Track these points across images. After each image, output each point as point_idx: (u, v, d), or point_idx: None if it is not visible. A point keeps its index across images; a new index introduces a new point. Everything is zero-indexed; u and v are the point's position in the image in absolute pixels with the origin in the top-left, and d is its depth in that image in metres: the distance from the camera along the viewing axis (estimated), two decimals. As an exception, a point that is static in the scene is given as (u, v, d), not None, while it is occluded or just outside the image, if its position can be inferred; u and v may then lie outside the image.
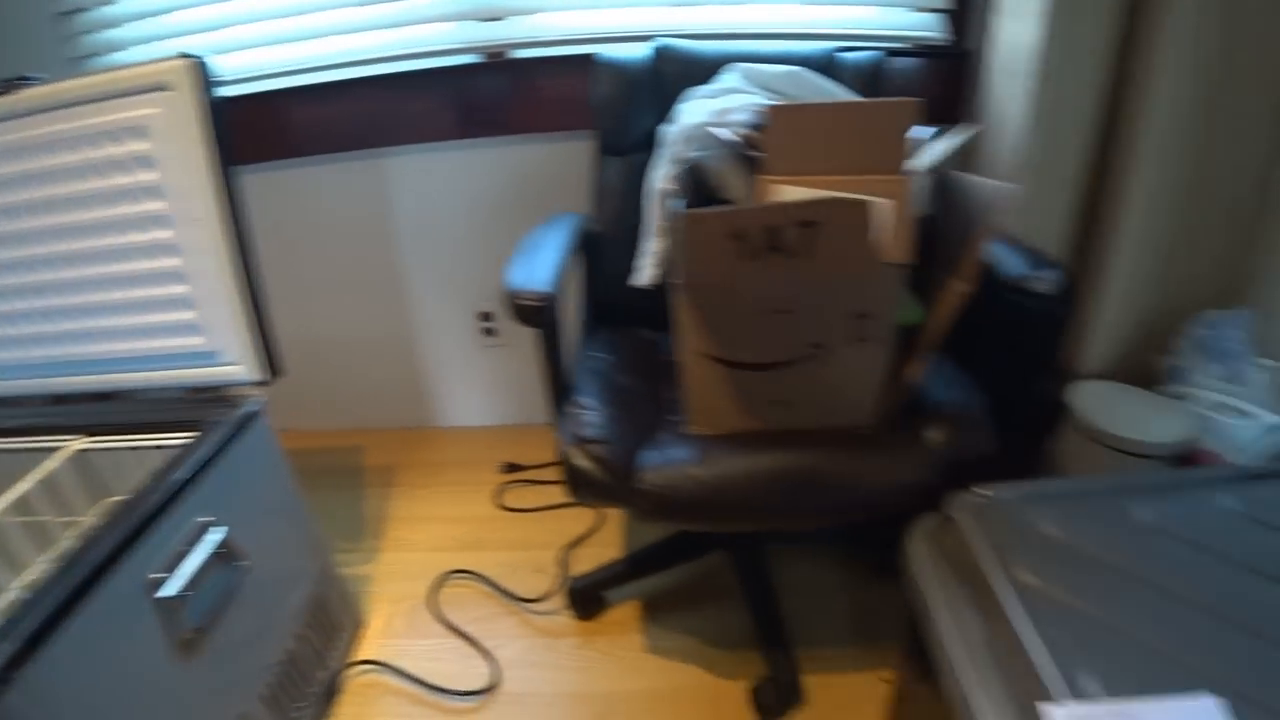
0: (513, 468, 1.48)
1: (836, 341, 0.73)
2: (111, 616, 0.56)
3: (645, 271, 0.92)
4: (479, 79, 1.31)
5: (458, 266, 1.45)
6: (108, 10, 1.26)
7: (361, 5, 1.25)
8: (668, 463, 0.79)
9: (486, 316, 1.50)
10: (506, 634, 1.12)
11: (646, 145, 1.03)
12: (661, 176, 0.90)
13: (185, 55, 0.71)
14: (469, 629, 1.11)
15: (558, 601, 1.16)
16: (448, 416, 1.66)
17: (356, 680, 1.04)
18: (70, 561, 0.55)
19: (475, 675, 1.04)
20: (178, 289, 0.76)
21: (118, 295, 0.76)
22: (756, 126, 0.82)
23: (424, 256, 1.45)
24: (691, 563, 1.18)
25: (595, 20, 1.26)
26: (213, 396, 0.81)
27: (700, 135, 0.87)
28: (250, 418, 0.77)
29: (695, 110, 0.91)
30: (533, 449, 1.54)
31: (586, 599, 1.14)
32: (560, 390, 0.89)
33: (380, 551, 1.30)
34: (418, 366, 1.57)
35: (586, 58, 1.12)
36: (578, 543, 1.29)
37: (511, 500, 1.41)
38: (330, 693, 0.99)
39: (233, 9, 1.26)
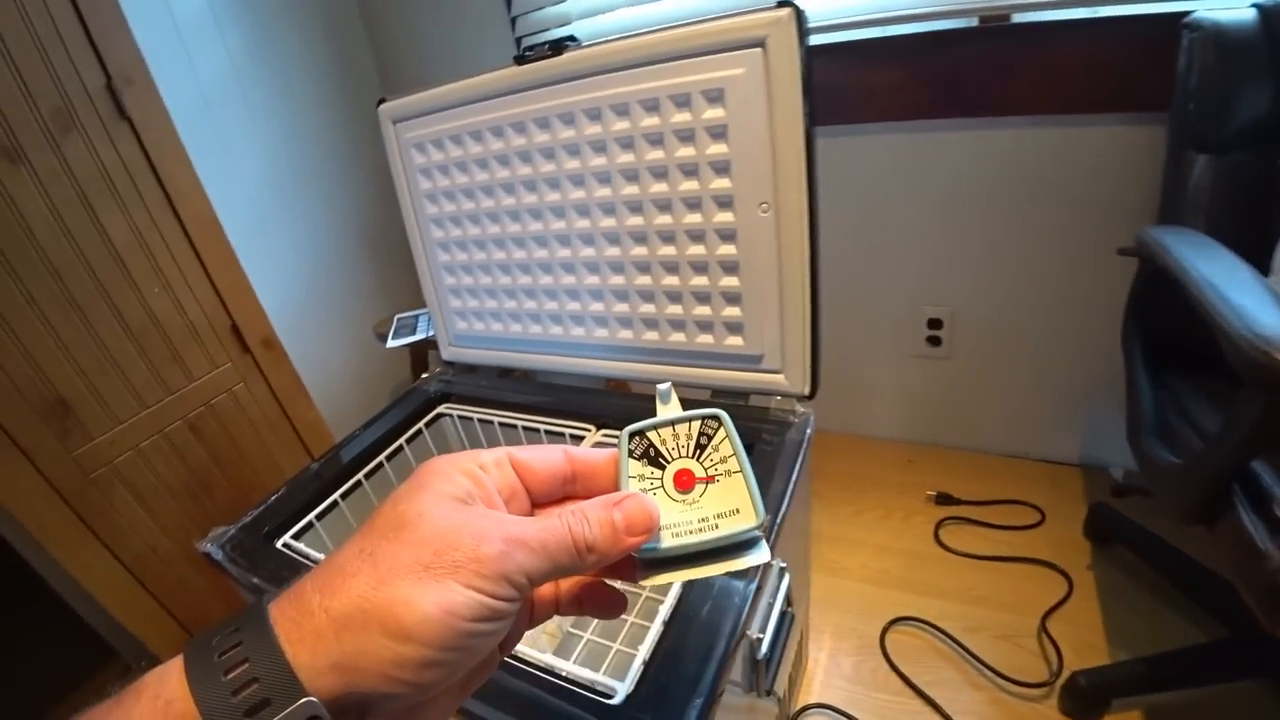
0: (947, 499, 1.25)
1: None
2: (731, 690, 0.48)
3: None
4: (968, 47, 1.03)
5: (909, 264, 1.23)
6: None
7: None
8: None
9: (935, 324, 1.27)
10: (975, 709, 0.91)
11: (1254, 140, 0.76)
12: None
13: (784, 3, 0.56)
14: (933, 694, 0.94)
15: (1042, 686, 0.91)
16: (865, 423, 1.47)
17: (806, 720, 0.95)
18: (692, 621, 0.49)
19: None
20: (729, 281, 0.71)
21: (667, 281, 0.71)
22: None
23: (870, 248, 1.24)
24: (1225, 684, 0.86)
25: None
26: (748, 406, 0.75)
27: None
28: (803, 444, 0.65)
29: None
30: (963, 479, 1.28)
31: (1091, 700, 0.86)
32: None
33: (811, 572, 1.20)
34: (845, 365, 1.40)
35: (1131, 20, 0.89)
36: (1050, 614, 1.01)
37: (952, 539, 1.18)
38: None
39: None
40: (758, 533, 0.26)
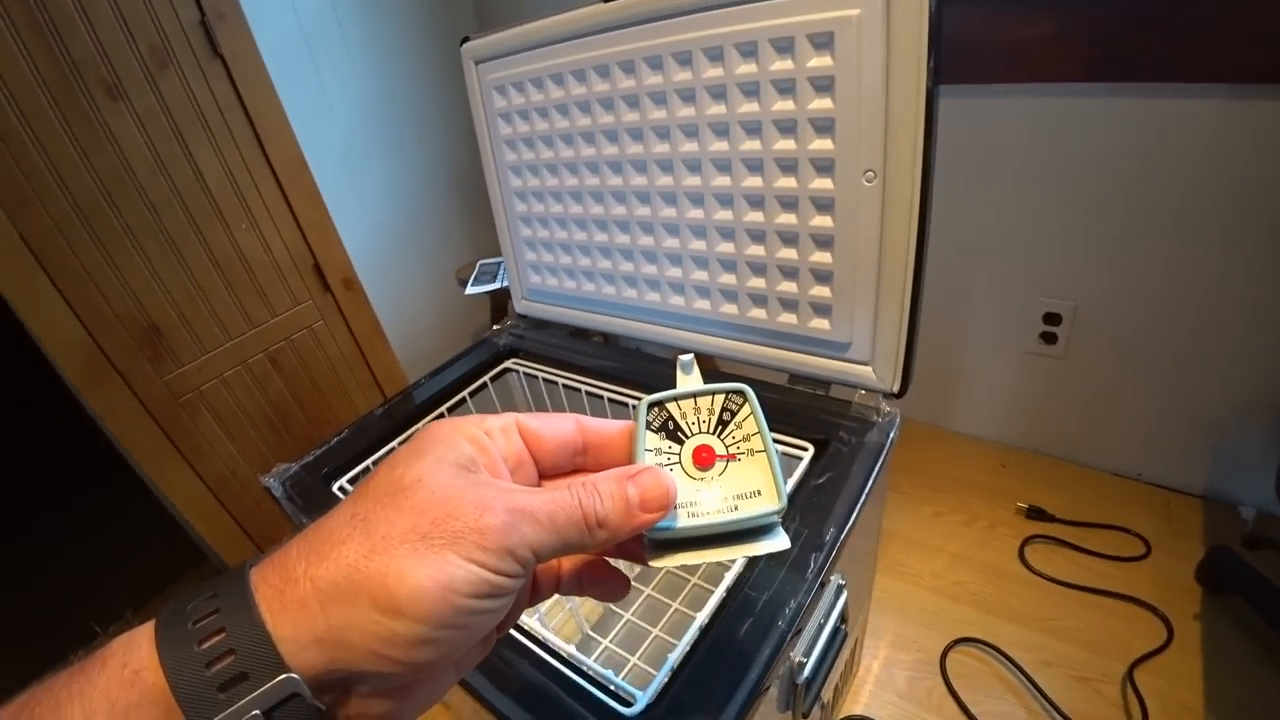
0: (1038, 514, 1.13)
1: None
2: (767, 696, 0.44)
3: None
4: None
5: (1030, 249, 1.08)
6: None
7: None
8: None
9: (1052, 319, 1.13)
10: (1040, 756, 0.83)
11: None
12: None
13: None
14: (992, 729, 0.86)
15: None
16: (957, 417, 1.35)
17: (846, 728, 0.90)
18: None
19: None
20: (820, 257, 0.63)
21: (751, 251, 0.65)
22: None
23: (987, 226, 1.11)
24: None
25: None
26: (828, 398, 0.68)
27: None
28: (884, 448, 0.58)
29: None
30: (1061, 494, 1.15)
31: None
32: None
33: (876, 573, 1.13)
34: (943, 351, 1.28)
35: None
36: (1141, 662, 0.90)
37: (1038, 561, 1.07)
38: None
39: None
40: (778, 518, 0.25)
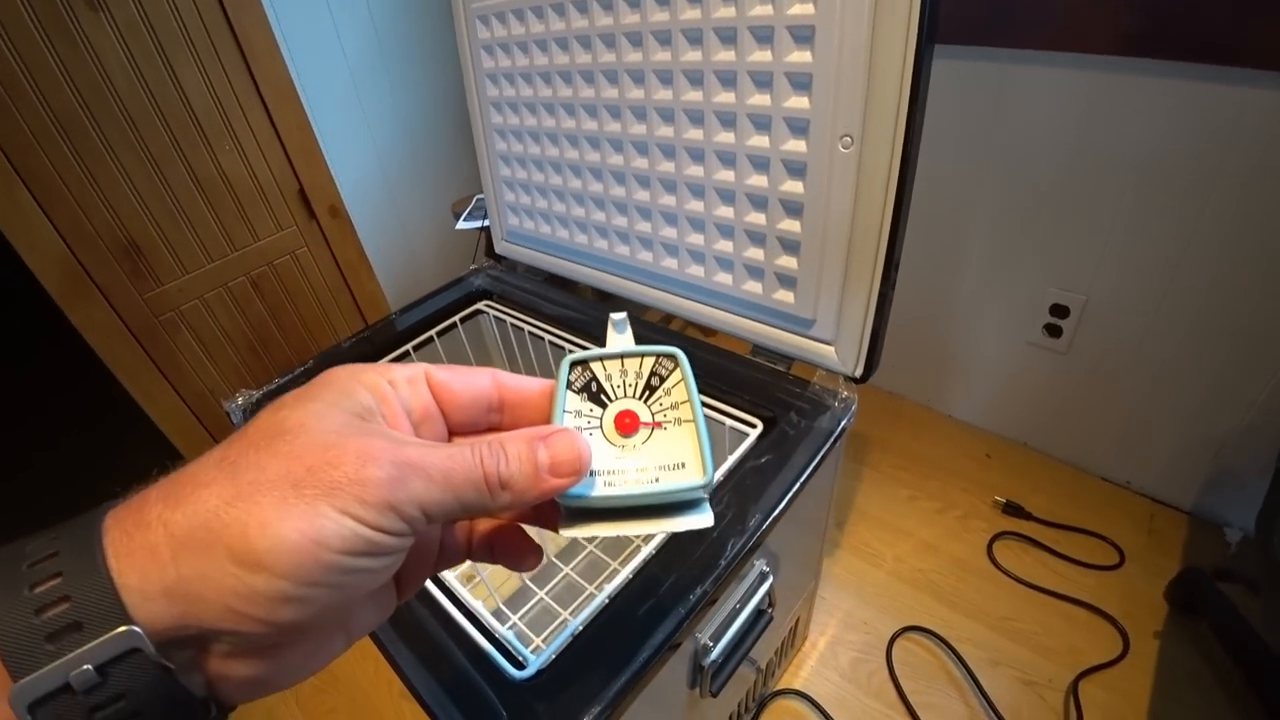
0: (1015, 510, 1.10)
1: None
2: (669, 673, 0.45)
3: None
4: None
5: (1046, 236, 1.00)
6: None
7: None
8: None
9: (1059, 311, 1.06)
10: (969, 749, 0.83)
11: None
12: None
13: None
14: (926, 719, 0.86)
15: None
16: (947, 400, 1.31)
17: (775, 705, 0.90)
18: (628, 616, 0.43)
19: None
20: (789, 225, 0.59)
21: (720, 212, 0.60)
22: None
23: (1001, 207, 1.04)
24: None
25: None
26: (788, 375, 0.65)
27: None
28: (833, 435, 0.56)
29: None
30: (1043, 493, 1.12)
31: None
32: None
33: (838, 549, 1.12)
34: (939, 329, 1.23)
35: None
36: (1090, 673, 0.88)
37: (1006, 558, 1.04)
38: (754, 715, 0.88)
39: None
40: (702, 493, 0.23)
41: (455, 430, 0.24)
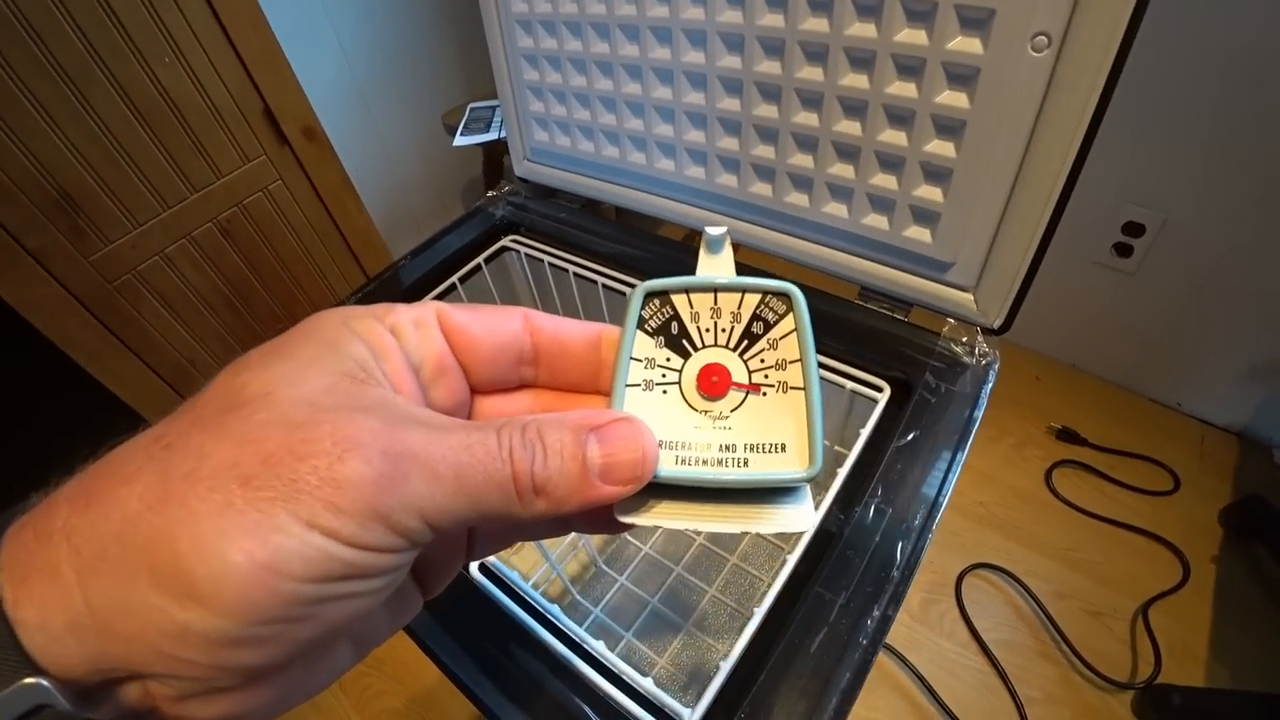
0: (1070, 436, 1.06)
1: None
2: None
3: None
4: None
5: (1127, 147, 0.91)
6: None
7: None
8: None
9: (1134, 230, 0.97)
10: (1042, 686, 0.82)
11: None
12: None
13: None
14: (1000, 655, 0.85)
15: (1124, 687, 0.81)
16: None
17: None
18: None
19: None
20: (940, 148, 0.46)
21: (843, 128, 0.48)
22: None
23: None
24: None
25: None
26: (907, 322, 0.55)
27: None
28: (979, 400, 0.47)
29: None
30: (1096, 417, 1.08)
31: (1168, 714, 0.76)
32: None
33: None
34: None
35: None
36: (1153, 601, 0.88)
37: (1065, 487, 1.02)
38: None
39: None
40: (804, 485, 0.18)
41: (478, 389, 0.19)
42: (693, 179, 0.61)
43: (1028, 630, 0.87)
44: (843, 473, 0.45)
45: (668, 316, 0.19)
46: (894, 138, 0.47)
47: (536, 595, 0.41)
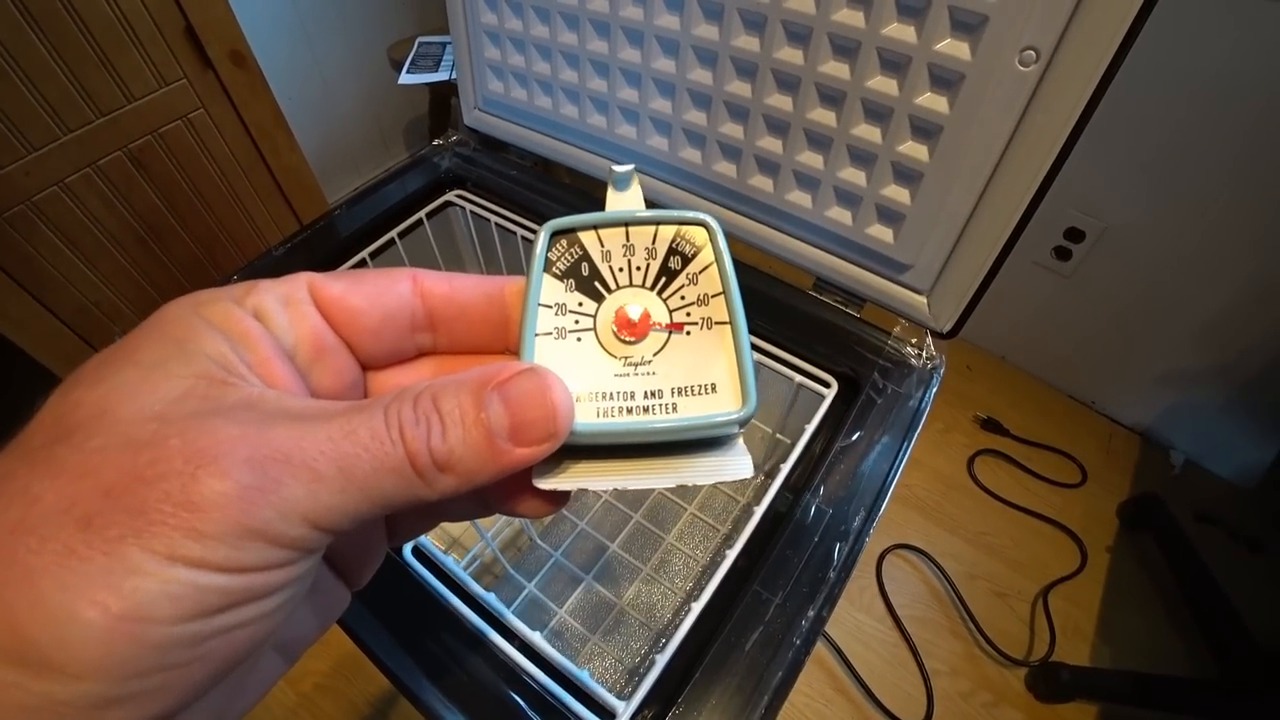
0: (993, 426, 1.12)
1: None
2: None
3: None
4: None
5: (1080, 154, 0.94)
6: None
7: None
8: None
9: (1074, 235, 1.01)
10: (948, 659, 0.89)
11: None
12: None
13: None
14: (913, 630, 0.90)
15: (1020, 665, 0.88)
16: None
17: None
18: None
19: (904, 695, 0.85)
20: (914, 150, 0.45)
21: (817, 116, 0.47)
22: None
23: None
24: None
25: None
26: (859, 319, 0.55)
27: None
28: (924, 401, 0.48)
29: None
30: (1018, 408, 1.15)
31: (1063, 692, 0.84)
32: None
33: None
34: None
35: None
36: (1055, 585, 0.96)
37: (985, 474, 1.08)
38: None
39: None
40: (738, 428, 0.16)
41: (369, 364, 0.17)
42: (654, 149, 0.59)
43: (939, 608, 0.93)
44: (786, 467, 0.46)
45: (577, 257, 0.18)
46: (868, 133, 0.46)
47: (467, 578, 0.40)
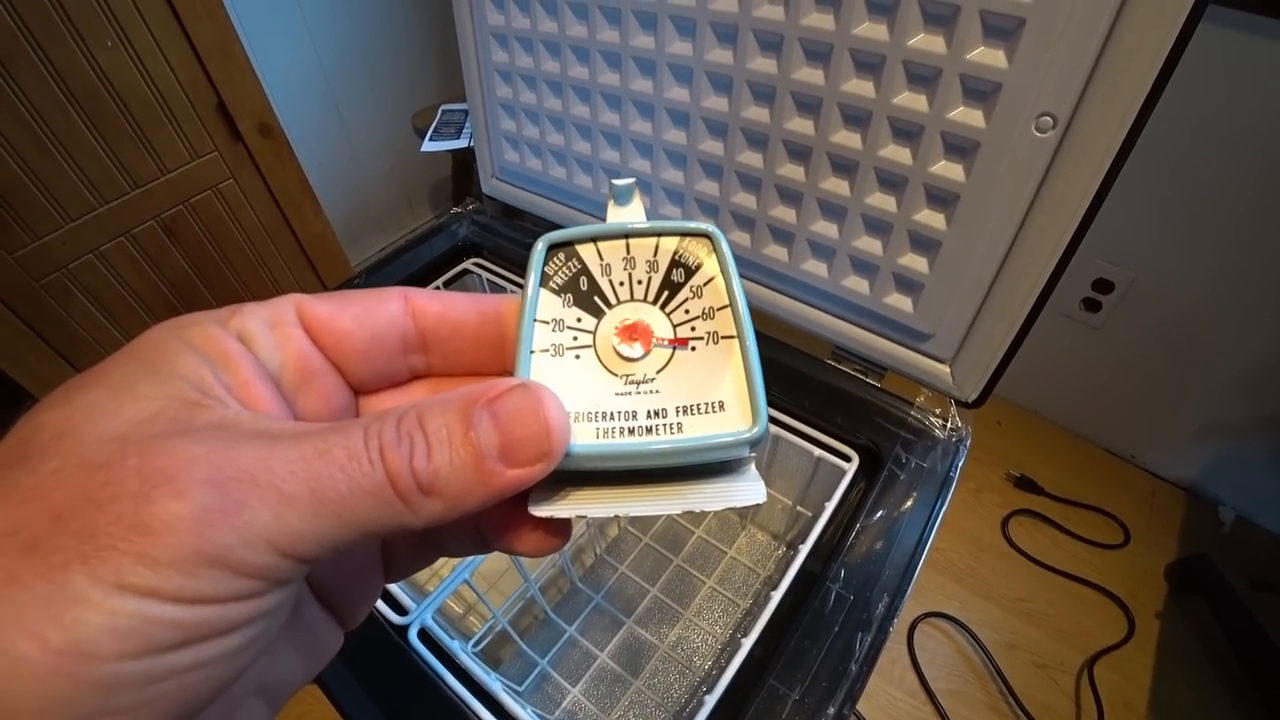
0: (1027, 484, 1.07)
1: None
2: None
3: None
4: None
5: (1108, 204, 0.94)
6: None
7: None
8: None
9: (1103, 286, 0.99)
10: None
11: None
12: None
13: None
14: (948, 706, 0.84)
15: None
16: None
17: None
18: None
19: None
20: (931, 218, 0.45)
21: (831, 186, 0.46)
22: None
23: None
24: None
25: None
26: (880, 389, 0.54)
27: None
28: (950, 475, 0.47)
29: None
30: (1053, 465, 1.10)
31: None
32: None
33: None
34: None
35: None
36: (1102, 655, 0.89)
37: (1021, 537, 1.02)
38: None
39: None
40: (749, 450, 0.15)
41: (360, 388, 0.17)
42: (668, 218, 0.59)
43: (976, 681, 0.87)
44: (805, 548, 0.43)
45: (575, 271, 0.17)
46: (883, 202, 0.45)
47: (477, 669, 0.38)
